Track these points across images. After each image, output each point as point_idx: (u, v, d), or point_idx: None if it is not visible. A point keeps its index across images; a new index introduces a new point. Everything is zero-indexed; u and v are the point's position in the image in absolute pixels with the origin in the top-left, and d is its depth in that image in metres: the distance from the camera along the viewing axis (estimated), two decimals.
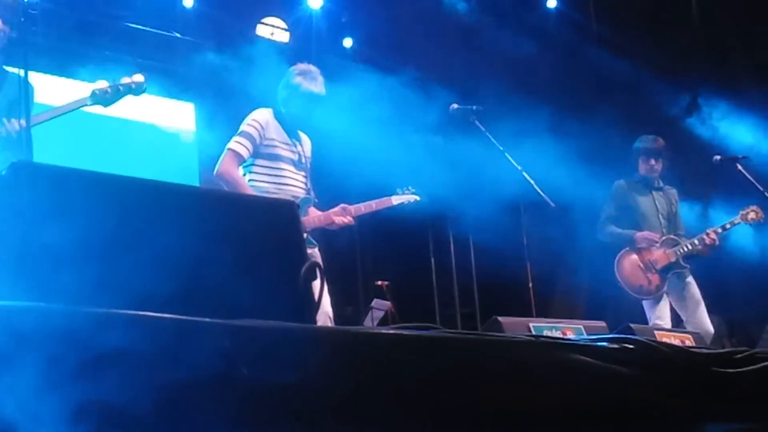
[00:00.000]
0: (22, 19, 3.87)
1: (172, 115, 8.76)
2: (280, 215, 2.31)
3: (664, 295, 6.05)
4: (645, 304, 6.12)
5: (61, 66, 7.86)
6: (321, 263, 4.39)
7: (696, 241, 6.03)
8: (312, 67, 5.06)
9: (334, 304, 5.00)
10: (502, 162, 5.60)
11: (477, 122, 5.65)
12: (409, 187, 5.39)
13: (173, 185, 2.20)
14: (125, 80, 4.24)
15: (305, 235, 4.56)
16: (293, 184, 4.93)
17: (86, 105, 4.19)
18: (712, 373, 2.25)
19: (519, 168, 5.54)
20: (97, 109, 4.28)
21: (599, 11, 9.69)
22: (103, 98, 4.19)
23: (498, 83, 8.64)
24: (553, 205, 5.46)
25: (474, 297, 10.34)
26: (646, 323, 5.82)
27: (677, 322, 6.16)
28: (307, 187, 5.03)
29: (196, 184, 7.78)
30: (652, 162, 6.23)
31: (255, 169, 4.91)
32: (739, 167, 6.12)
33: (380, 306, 8.65)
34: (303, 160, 5.05)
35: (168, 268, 1.82)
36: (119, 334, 1.42)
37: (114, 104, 4.25)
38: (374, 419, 1.71)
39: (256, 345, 1.57)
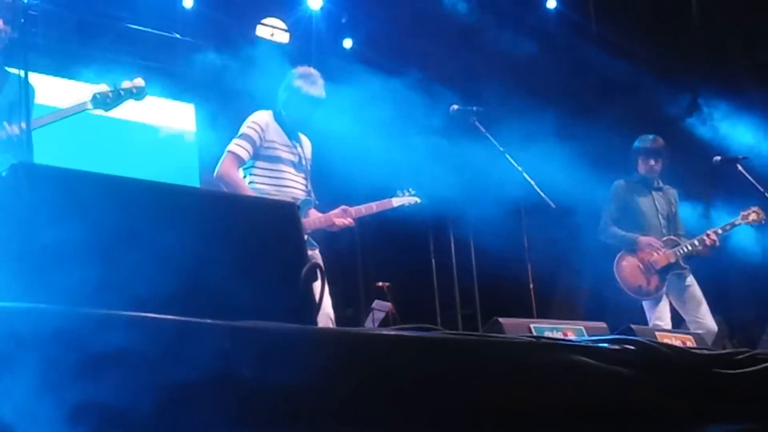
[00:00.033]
0: (22, 20, 3.87)
1: (172, 116, 8.76)
2: (281, 216, 2.31)
3: (664, 296, 6.04)
4: (645, 304, 6.11)
5: (61, 67, 7.86)
6: (322, 265, 4.39)
7: (696, 242, 6.02)
8: (312, 70, 5.06)
9: (335, 306, 5.00)
10: (503, 163, 5.60)
11: (477, 123, 5.65)
12: (410, 189, 5.39)
13: (174, 186, 2.19)
14: (126, 84, 4.24)
15: (306, 236, 4.56)
16: (293, 186, 4.94)
17: (87, 109, 4.19)
18: (713, 374, 2.25)
19: (519, 169, 5.54)
20: (98, 111, 4.28)
21: (599, 12, 9.69)
22: (104, 102, 4.19)
23: (498, 84, 8.64)
24: (553, 206, 5.46)
25: (475, 298, 10.33)
26: (647, 324, 5.82)
27: (678, 322, 6.16)
28: (308, 189, 5.03)
29: (197, 185, 7.78)
30: (652, 162, 6.22)
31: (255, 171, 4.91)
32: (740, 168, 6.11)
33: (381, 307, 8.64)
34: (303, 162, 5.05)
35: (168, 270, 1.82)
36: (119, 335, 1.42)
37: (115, 109, 4.25)
38: (375, 420, 1.71)
39: (256, 346, 1.57)
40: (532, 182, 5.50)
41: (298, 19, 9.33)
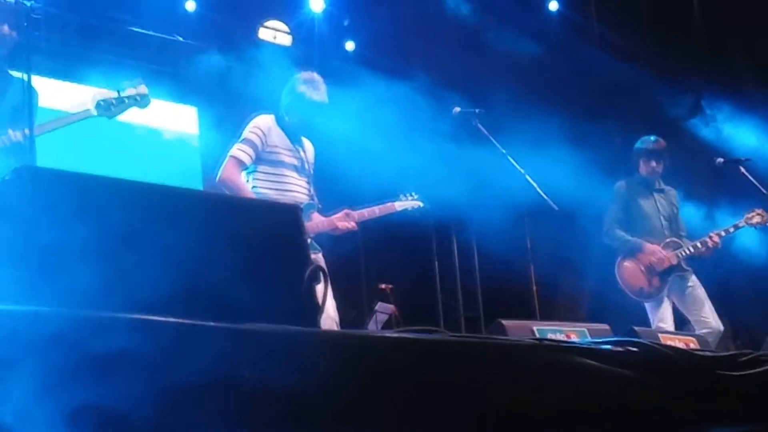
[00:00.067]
0: (25, 24, 3.88)
1: (175, 118, 8.76)
2: (284, 219, 2.31)
3: (666, 298, 6.03)
4: (647, 306, 6.11)
5: (64, 70, 7.87)
6: (325, 268, 4.39)
7: (698, 244, 6.01)
8: (316, 76, 5.07)
9: (338, 308, 5.00)
10: (505, 165, 5.60)
11: (479, 125, 5.65)
12: (413, 193, 5.39)
13: (176, 189, 2.19)
14: (130, 91, 4.25)
15: (309, 240, 4.56)
16: (296, 190, 4.94)
17: (91, 116, 4.20)
18: (716, 375, 2.25)
19: (522, 171, 5.53)
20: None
21: (601, 14, 9.69)
22: (108, 109, 4.20)
23: (499, 86, 8.64)
24: (556, 208, 5.45)
25: (478, 300, 10.34)
26: (650, 326, 5.81)
27: (682, 324, 6.15)
28: (310, 193, 5.03)
29: (199, 187, 7.78)
30: (653, 164, 6.21)
31: (258, 175, 4.91)
32: (742, 170, 6.11)
33: (384, 309, 8.65)
34: (306, 166, 5.05)
35: (171, 272, 1.82)
36: (122, 338, 1.42)
37: (119, 116, 4.26)
38: (378, 422, 1.71)
39: (259, 348, 1.58)
40: (535, 184, 5.49)
41: (300, 22, 9.33)
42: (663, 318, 5.97)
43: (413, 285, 9.84)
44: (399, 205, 5.31)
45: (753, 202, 6.06)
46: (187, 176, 8.15)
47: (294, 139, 5.03)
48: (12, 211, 1.78)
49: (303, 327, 1.82)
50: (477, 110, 5.71)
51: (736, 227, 6.04)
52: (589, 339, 3.13)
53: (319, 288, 2.21)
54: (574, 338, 3.26)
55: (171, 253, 1.87)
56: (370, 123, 6.83)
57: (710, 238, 5.98)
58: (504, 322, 3.21)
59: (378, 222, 5.29)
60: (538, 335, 3.15)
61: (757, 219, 5.97)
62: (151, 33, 8.53)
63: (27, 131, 3.78)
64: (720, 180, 7.19)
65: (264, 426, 1.55)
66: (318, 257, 4.80)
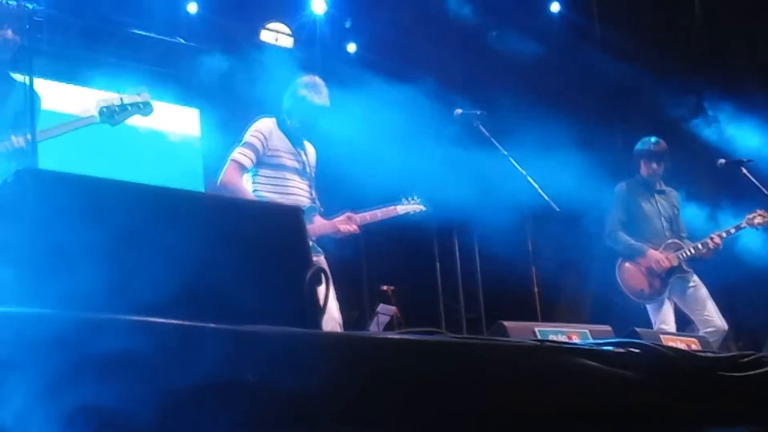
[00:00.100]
0: (28, 27, 3.89)
1: (177, 121, 8.77)
2: (286, 221, 2.32)
3: (667, 300, 6.03)
4: (649, 308, 6.10)
5: (67, 72, 7.89)
6: (327, 270, 4.39)
7: (700, 245, 6.01)
8: (317, 79, 5.08)
9: (340, 310, 5.00)
10: (507, 166, 5.60)
11: (481, 127, 5.65)
12: (415, 197, 5.39)
13: (178, 191, 2.20)
14: (134, 98, 4.26)
15: (311, 242, 4.56)
16: (298, 194, 4.94)
17: (94, 123, 4.22)
18: (717, 377, 2.25)
19: (524, 172, 5.54)
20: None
21: (602, 14, 9.69)
22: (111, 117, 4.22)
23: (501, 88, 8.65)
24: (557, 209, 5.45)
25: (479, 302, 10.33)
26: (652, 328, 5.81)
27: (684, 326, 6.14)
28: (312, 196, 5.04)
29: (201, 189, 7.79)
30: (654, 165, 6.21)
31: (259, 179, 4.92)
32: (744, 171, 6.10)
33: (386, 311, 8.65)
34: (308, 169, 5.06)
35: (173, 274, 1.82)
36: (122, 340, 1.43)
37: (121, 123, 4.28)
38: (379, 423, 1.71)
39: (260, 350, 1.58)
40: (536, 186, 5.49)
41: (302, 24, 9.34)
42: (665, 320, 5.97)
43: (415, 286, 9.84)
44: (401, 209, 5.31)
45: (755, 203, 6.06)
46: (189, 178, 8.16)
47: (296, 142, 5.04)
48: (14, 213, 1.79)
49: (304, 329, 1.82)
50: (478, 112, 5.72)
51: (738, 228, 6.03)
52: (591, 340, 3.13)
53: (321, 290, 2.21)
54: (575, 340, 3.26)
55: (173, 255, 1.87)
56: (372, 125, 6.83)
57: (711, 239, 5.98)
58: (505, 323, 3.21)
59: (380, 224, 5.30)
60: (539, 336, 3.15)
61: (758, 220, 5.97)
62: (153, 35, 8.54)
63: (29, 136, 3.79)
64: (722, 181, 7.18)
65: (265, 427, 1.55)
66: (320, 259, 4.80)
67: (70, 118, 4.31)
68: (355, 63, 9.40)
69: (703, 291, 6.02)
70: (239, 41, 8.80)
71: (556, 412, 1.95)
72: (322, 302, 2.22)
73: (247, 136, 4.92)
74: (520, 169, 5.55)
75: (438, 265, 10.50)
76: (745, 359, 2.34)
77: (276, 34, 9.27)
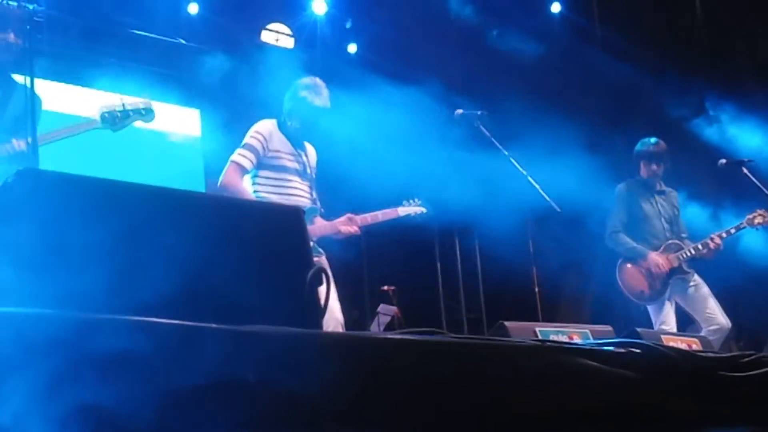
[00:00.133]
0: (28, 27, 3.89)
1: (177, 121, 8.78)
2: (286, 221, 2.32)
3: (668, 301, 6.02)
4: (650, 309, 6.10)
5: (67, 73, 7.90)
6: (328, 270, 4.39)
7: (700, 246, 6.00)
8: (318, 81, 5.09)
9: (342, 310, 5.01)
10: (508, 167, 5.60)
11: (482, 127, 5.65)
12: (416, 199, 5.39)
13: (179, 191, 2.20)
14: (136, 104, 4.28)
15: (312, 243, 4.56)
16: (299, 195, 4.94)
17: (96, 128, 4.23)
18: (718, 376, 2.25)
19: (524, 173, 5.54)
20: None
21: (603, 15, 9.69)
22: (113, 123, 4.23)
23: (501, 88, 8.65)
24: (558, 209, 5.45)
25: (480, 302, 10.34)
26: (652, 328, 5.81)
27: (684, 326, 6.14)
28: (313, 197, 5.04)
29: (202, 190, 7.79)
30: (654, 166, 6.21)
31: (260, 180, 4.92)
32: (745, 171, 6.10)
33: (386, 311, 8.66)
34: (308, 171, 5.06)
35: (174, 274, 1.82)
36: (124, 340, 1.43)
37: (123, 129, 4.29)
38: (379, 423, 1.71)
39: (261, 350, 1.58)
40: (537, 186, 5.49)
41: (302, 25, 9.36)
42: (665, 320, 5.96)
43: (415, 287, 9.84)
44: (402, 211, 5.31)
45: (756, 203, 6.06)
46: (189, 179, 8.17)
47: (296, 143, 5.04)
48: (15, 214, 1.79)
49: (305, 329, 1.82)
50: (479, 112, 5.71)
51: (738, 228, 6.02)
52: (592, 340, 3.13)
53: (322, 290, 2.21)
54: (576, 339, 3.26)
55: (173, 256, 1.87)
56: (373, 126, 6.83)
57: (711, 239, 5.97)
58: (506, 323, 3.21)
59: (381, 224, 5.29)
60: (540, 336, 3.15)
61: (758, 219, 5.96)
62: (153, 36, 8.56)
63: (30, 140, 3.79)
64: (723, 181, 7.18)
65: (265, 427, 1.55)
66: (321, 260, 4.81)
67: (71, 122, 4.32)
68: (356, 63, 9.41)
69: (705, 289, 6.02)
70: (240, 42, 8.81)
71: (557, 412, 1.95)
72: (323, 302, 2.22)
73: (247, 138, 4.93)
74: (520, 169, 5.55)
75: (439, 265, 10.51)
76: (746, 359, 2.34)
77: (277, 35, 9.28)
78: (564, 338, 3.27)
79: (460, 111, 5.77)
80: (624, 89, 9.10)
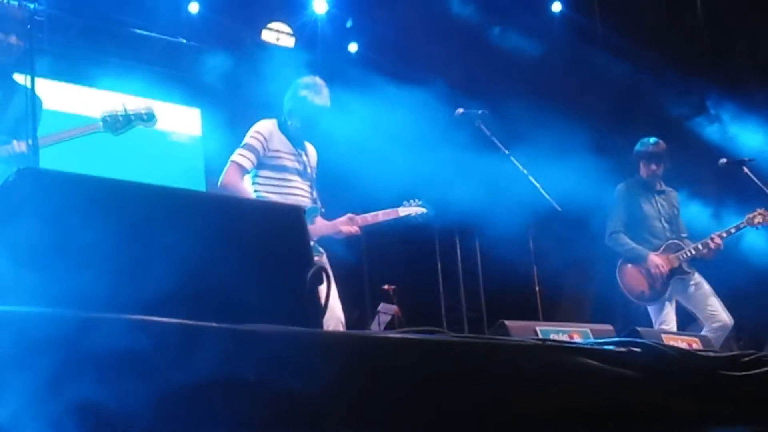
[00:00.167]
0: (29, 26, 3.89)
1: (178, 120, 8.78)
2: (287, 220, 2.32)
3: (668, 301, 6.02)
4: (650, 309, 6.09)
5: (68, 72, 7.90)
6: (329, 269, 4.39)
7: (700, 246, 6.00)
8: (318, 80, 5.08)
9: (342, 309, 5.01)
10: (509, 166, 5.60)
11: (482, 127, 5.65)
12: (416, 200, 5.39)
13: (179, 190, 2.20)
14: (137, 108, 4.29)
15: (312, 242, 4.56)
16: (299, 194, 4.94)
17: (98, 131, 4.24)
18: (718, 376, 2.25)
19: (525, 172, 5.54)
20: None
21: (604, 14, 9.69)
22: (115, 127, 4.24)
23: (502, 87, 8.65)
24: (559, 209, 5.45)
25: (480, 301, 10.34)
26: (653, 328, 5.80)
27: (685, 326, 6.13)
28: (314, 197, 5.04)
29: (203, 189, 7.79)
30: (653, 166, 6.20)
31: (260, 180, 4.92)
32: (746, 170, 6.10)
33: (387, 310, 8.66)
34: (309, 170, 5.06)
35: (174, 273, 1.83)
36: (124, 339, 1.43)
37: (124, 133, 4.31)
38: (380, 423, 1.71)
39: (261, 349, 1.58)
40: (538, 185, 5.49)
41: (303, 24, 9.35)
42: (665, 320, 5.96)
43: (416, 286, 9.84)
44: (402, 211, 5.31)
45: (757, 203, 6.05)
46: (190, 178, 8.17)
47: (296, 143, 5.04)
48: (15, 212, 1.79)
49: (306, 328, 1.82)
50: (480, 111, 5.71)
51: (738, 228, 6.02)
52: (592, 339, 3.13)
53: (322, 289, 2.21)
54: (577, 339, 3.26)
55: (174, 255, 1.87)
56: (373, 125, 6.83)
57: (712, 239, 5.96)
58: (507, 322, 3.21)
59: (381, 224, 5.30)
60: (540, 336, 3.15)
61: (758, 219, 5.95)
62: (154, 35, 8.56)
63: (30, 141, 3.80)
64: (724, 180, 7.18)
65: (266, 427, 1.55)
66: (322, 259, 4.81)
67: (73, 124, 4.33)
68: (357, 63, 9.41)
69: (706, 287, 6.01)
70: (241, 41, 8.81)
71: (557, 411, 1.95)
72: (323, 302, 2.22)
73: (247, 138, 4.93)
74: (521, 168, 5.55)
75: (439, 264, 10.50)
76: (746, 358, 2.34)
77: (277, 34, 9.28)
78: (564, 337, 3.27)
79: (460, 110, 5.76)
80: (625, 89, 9.10)
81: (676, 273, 6.00)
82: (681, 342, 3.52)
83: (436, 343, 1.91)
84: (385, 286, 9.03)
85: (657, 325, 5.93)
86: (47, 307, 1.47)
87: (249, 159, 4.85)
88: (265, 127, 4.97)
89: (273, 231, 2.22)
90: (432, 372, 1.80)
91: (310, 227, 4.71)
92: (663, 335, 3.57)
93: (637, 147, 6.32)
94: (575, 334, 3.35)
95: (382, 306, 8.72)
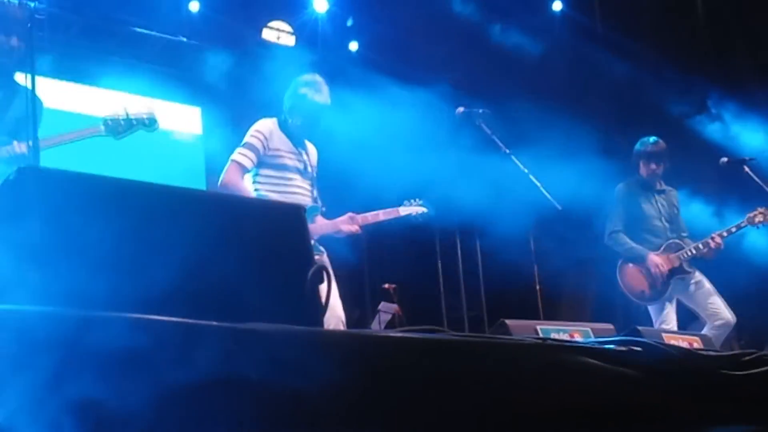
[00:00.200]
0: (29, 25, 3.89)
1: (179, 119, 8.78)
2: (288, 219, 2.31)
3: (668, 301, 6.01)
4: (650, 309, 6.09)
5: (68, 71, 7.90)
6: (330, 268, 4.39)
7: (701, 245, 5.99)
8: (317, 77, 5.08)
9: (343, 308, 5.01)
10: (509, 165, 5.59)
11: (483, 125, 5.64)
12: (417, 199, 5.39)
13: (180, 189, 2.20)
14: (139, 113, 4.30)
15: (313, 241, 4.56)
16: (300, 193, 4.94)
17: (99, 135, 4.25)
18: (720, 375, 2.25)
19: (525, 171, 5.53)
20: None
21: (604, 13, 9.68)
22: (116, 131, 4.26)
23: (503, 86, 8.64)
24: (559, 207, 5.44)
25: (481, 300, 10.33)
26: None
27: (686, 326, 6.13)
28: (314, 196, 5.04)
29: (203, 188, 7.79)
30: (653, 165, 6.20)
31: (261, 179, 4.91)
32: (746, 169, 6.10)
33: (387, 309, 8.66)
34: (309, 169, 5.06)
35: (175, 272, 1.82)
36: (125, 338, 1.43)
37: (125, 138, 4.32)
38: (381, 422, 1.71)
39: (261, 348, 1.58)
40: (539, 184, 5.49)
41: (304, 22, 9.35)
42: (666, 320, 5.95)
43: (416, 285, 9.84)
44: (403, 210, 5.31)
45: (757, 202, 6.05)
46: (191, 177, 8.16)
47: (297, 142, 5.03)
48: (15, 211, 1.79)
49: (306, 327, 1.82)
50: (480, 110, 5.70)
51: (739, 227, 6.02)
52: (593, 339, 3.13)
53: (323, 288, 2.21)
54: (577, 338, 3.26)
55: (174, 254, 1.87)
56: (374, 124, 6.83)
57: (712, 238, 5.96)
58: (507, 321, 3.21)
59: (382, 223, 5.30)
60: (541, 335, 3.15)
61: (759, 218, 5.95)
62: (155, 34, 8.55)
63: (30, 143, 3.80)
64: (725, 180, 7.18)
65: (266, 426, 1.55)
66: (322, 258, 4.81)
67: (73, 123, 4.33)
68: (357, 62, 9.41)
69: (707, 285, 6.01)
70: (241, 40, 8.81)
71: (558, 410, 1.95)
72: (324, 300, 2.22)
73: (248, 137, 4.92)
74: (522, 167, 5.55)
75: (440, 263, 10.50)
76: (747, 358, 2.34)
77: (278, 33, 9.28)
78: (565, 336, 3.27)
79: (461, 109, 5.76)
80: (625, 88, 9.09)
81: (676, 272, 5.99)
82: (682, 341, 3.52)
83: (436, 342, 1.91)
84: (386, 285, 9.03)
85: (657, 324, 5.93)
86: (47, 306, 1.47)
87: (249, 158, 4.85)
88: (266, 126, 4.96)
89: (273, 230, 2.22)
90: (432, 371, 1.80)
91: (311, 226, 4.71)
92: (664, 334, 3.57)
93: (637, 146, 6.31)
94: (576, 333, 3.35)
95: (383, 305, 8.72)
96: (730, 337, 6.44)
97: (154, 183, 2.09)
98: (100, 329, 1.42)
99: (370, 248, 10.06)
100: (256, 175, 4.92)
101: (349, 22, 9.64)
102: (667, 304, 6.00)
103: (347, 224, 4.98)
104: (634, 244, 6.11)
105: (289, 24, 9.35)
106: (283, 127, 5.01)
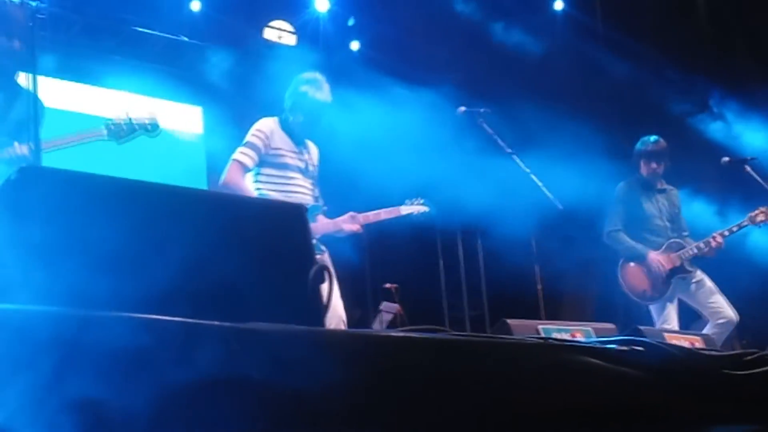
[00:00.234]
0: (30, 24, 3.89)
1: (180, 118, 8.78)
2: (289, 218, 2.31)
3: (669, 301, 6.01)
4: (652, 308, 6.09)
5: (69, 70, 7.89)
6: (331, 268, 4.39)
7: (702, 245, 5.99)
8: (318, 75, 5.08)
9: (344, 308, 5.01)
10: (511, 164, 5.59)
11: (484, 125, 5.64)
12: (419, 198, 5.39)
13: (181, 188, 2.20)
14: (141, 118, 4.30)
15: (314, 241, 4.56)
16: (301, 192, 4.94)
17: (100, 139, 4.26)
18: (721, 375, 2.25)
19: (527, 170, 5.53)
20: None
21: (606, 12, 9.68)
22: (118, 135, 4.27)
23: (505, 85, 8.64)
24: (560, 207, 5.44)
25: (483, 300, 10.32)
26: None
27: (687, 325, 6.13)
28: (315, 195, 5.04)
29: (204, 187, 7.79)
30: (654, 165, 6.20)
31: (262, 178, 4.92)
32: (748, 169, 6.09)
33: (389, 309, 8.65)
34: (310, 168, 5.06)
35: (176, 272, 1.82)
36: (126, 337, 1.43)
37: (128, 141, 4.32)
38: (383, 422, 1.71)
39: (262, 348, 1.58)
40: (540, 183, 5.49)
41: (305, 22, 9.35)
42: (667, 320, 5.95)
43: (418, 284, 9.83)
44: (404, 210, 5.31)
45: (759, 201, 6.05)
46: (192, 176, 8.16)
47: (298, 141, 5.03)
48: (16, 210, 1.78)
49: (307, 326, 1.82)
50: (482, 109, 5.70)
51: (740, 226, 6.01)
52: (595, 338, 3.13)
53: (325, 287, 2.21)
54: (579, 337, 3.25)
55: (176, 253, 1.87)
56: (375, 123, 6.82)
57: (713, 238, 5.96)
58: (509, 321, 3.21)
59: (383, 222, 5.29)
60: (543, 334, 3.15)
61: (760, 217, 5.95)
62: (156, 33, 8.55)
63: (32, 145, 3.80)
64: (726, 179, 7.17)
65: (267, 425, 1.55)
66: (324, 258, 4.81)
67: (75, 123, 4.34)
68: (359, 61, 9.40)
69: (709, 284, 6.00)
70: (243, 39, 8.81)
71: (559, 410, 1.95)
72: (325, 300, 2.21)
73: (249, 136, 4.92)
74: (523, 167, 5.55)
75: (441, 262, 10.49)
76: (749, 357, 2.33)
77: (279, 32, 9.28)
78: (566, 336, 3.26)
79: (462, 108, 5.76)
80: (626, 86, 9.09)
81: (677, 272, 5.99)
82: (683, 341, 3.51)
83: (438, 342, 1.90)
84: (387, 285, 9.02)
85: (659, 324, 5.92)
86: (49, 306, 1.47)
87: (250, 157, 4.85)
88: (267, 125, 4.96)
89: (275, 229, 2.22)
90: (434, 371, 1.80)
91: (312, 225, 4.71)
92: (665, 334, 3.57)
93: (638, 146, 6.31)
94: (578, 332, 3.35)
95: (384, 304, 8.71)
96: (732, 336, 6.44)
97: (155, 182, 2.09)
98: (102, 329, 1.42)
99: (371, 248, 10.04)
100: (258, 174, 4.92)
101: (351, 22, 9.63)
102: (669, 303, 6.00)
103: (349, 223, 4.98)
104: (633, 243, 6.11)
105: (291, 23, 9.35)
106: (284, 126, 5.01)
